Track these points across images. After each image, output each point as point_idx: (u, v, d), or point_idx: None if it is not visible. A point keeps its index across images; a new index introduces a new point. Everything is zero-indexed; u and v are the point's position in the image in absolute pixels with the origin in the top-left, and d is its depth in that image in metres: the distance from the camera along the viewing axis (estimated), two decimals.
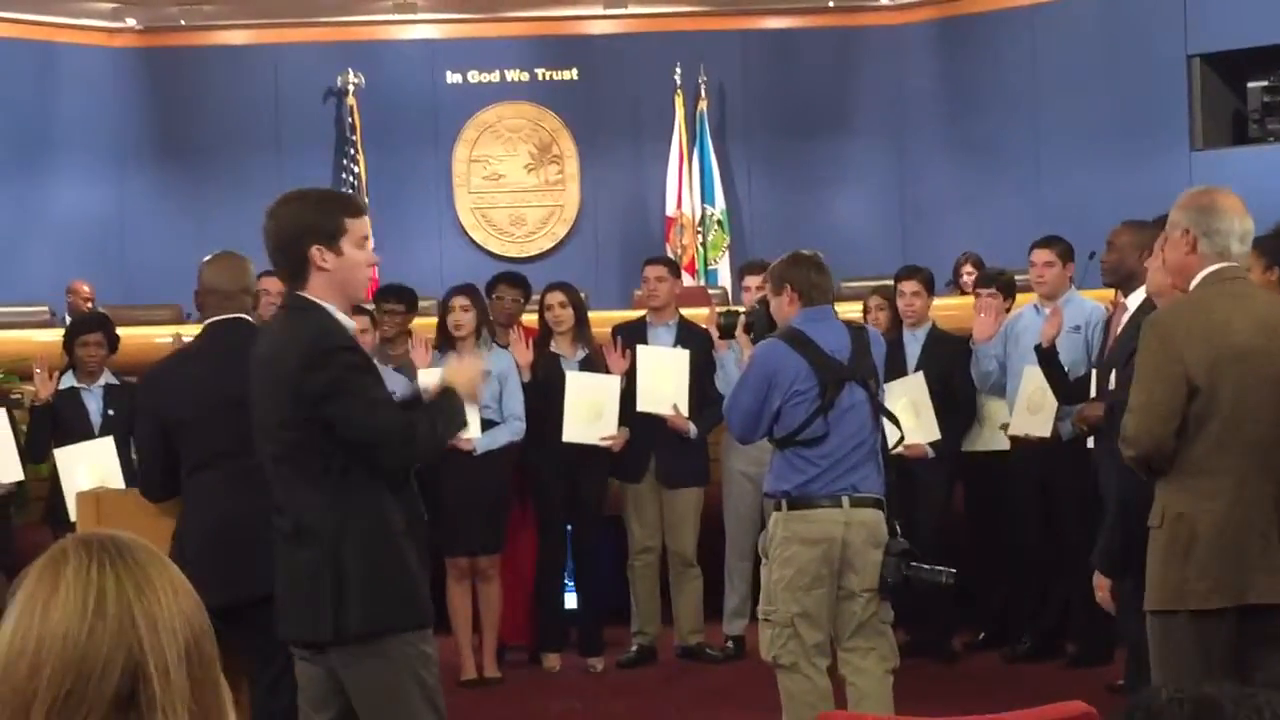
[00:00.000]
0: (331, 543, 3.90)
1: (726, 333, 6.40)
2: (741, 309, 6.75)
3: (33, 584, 1.66)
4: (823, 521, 5.26)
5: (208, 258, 5.14)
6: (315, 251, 3.94)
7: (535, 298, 7.96)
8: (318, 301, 3.98)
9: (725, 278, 13.29)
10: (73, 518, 5.98)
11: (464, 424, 4.36)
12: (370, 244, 4.09)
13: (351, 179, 13.68)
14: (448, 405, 4.13)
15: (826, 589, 5.28)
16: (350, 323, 4.06)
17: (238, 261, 5.10)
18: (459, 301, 7.32)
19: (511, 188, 14.23)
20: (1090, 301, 7.16)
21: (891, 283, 7.72)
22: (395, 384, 7.15)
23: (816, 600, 5.26)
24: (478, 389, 4.37)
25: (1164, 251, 4.36)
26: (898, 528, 5.40)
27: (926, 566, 5.32)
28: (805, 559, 5.25)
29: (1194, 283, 4.17)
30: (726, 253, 13.66)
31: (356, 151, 13.74)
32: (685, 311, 7.88)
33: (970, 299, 8.09)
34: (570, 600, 7.75)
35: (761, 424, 5.33)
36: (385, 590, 3.94)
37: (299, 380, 3.91)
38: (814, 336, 5.32)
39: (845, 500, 5.28)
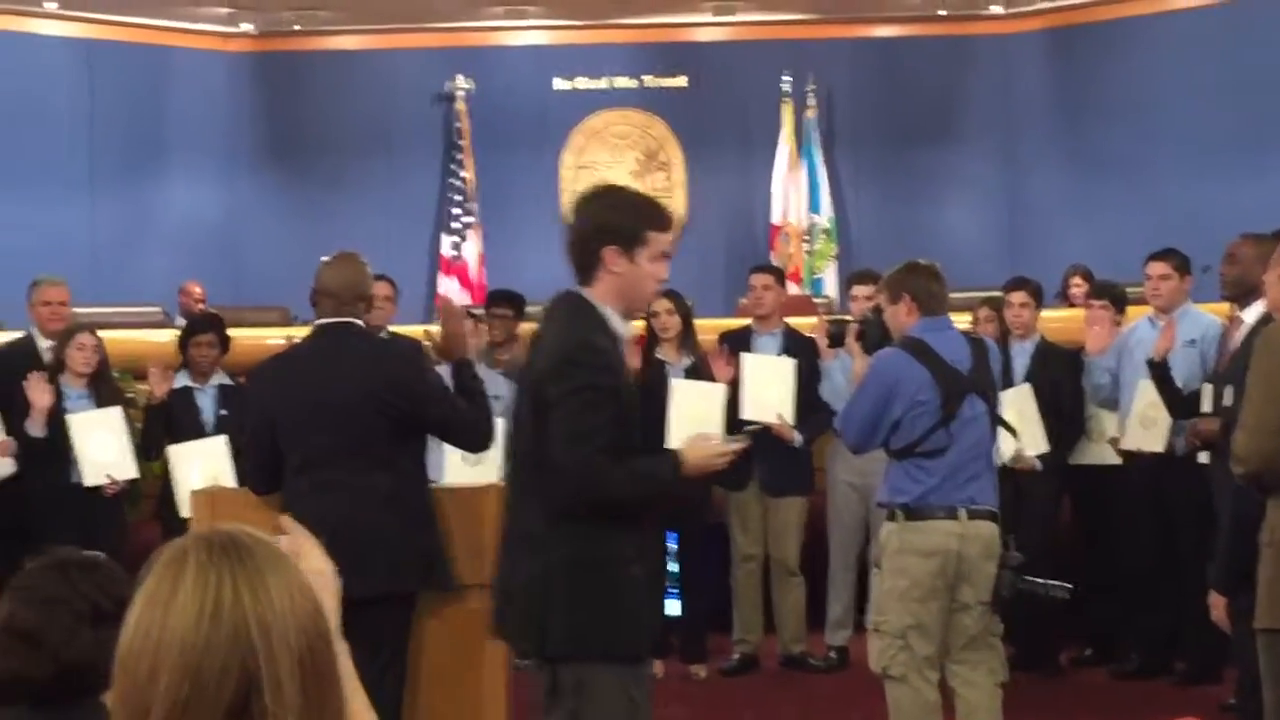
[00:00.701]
0: (551, 559, 3.79)
1: (836, 341, 6.36)
2: (850, 318, 6.71)
3: (154, 583, 1.66)
4: (939, 533, 5.22)
5: (327, 258, 5.15)
6: (609, 253, 3.86)
7: None
8: (594, 304, 3.88)
9: (831, 287, 13.24)
10: (185, 515, 6.08)
11: (668, 497, 4.23)
12: (667, 262, 3.94)
13: (459, 184, 13.77)
14: (660, 471, 3.96)
15: (940, 601, 5.24)
16: (624, 329, 3.94)
17: (356, 265, 5.12)
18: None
19: None
20: (1206, 315, 7.04)
21: (1000, 293, 7.65)
22: (499, 388, 7.23)
23: (929, 612, 5.22)
24: (710, 466, 4.02)
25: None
26: (1011, 541, 5.35)
27: (1041, 581, 5.28)
28: (920, 571, 5.21)
29: None
30: (833, 262, 13.60)
31: (465, 156, 13.83)
32: (790, 320, 7.85)
33: (1078, 311, 8.01)
34: (673, 607, 7.74)
35: (879, 434, 5.28)
36: (591, 616, 3.79)
37: (541, 384, 3.83)
38: (935, 346, 5.27)
39: (962, 512, 5.23)
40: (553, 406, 3.76)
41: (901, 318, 5.38)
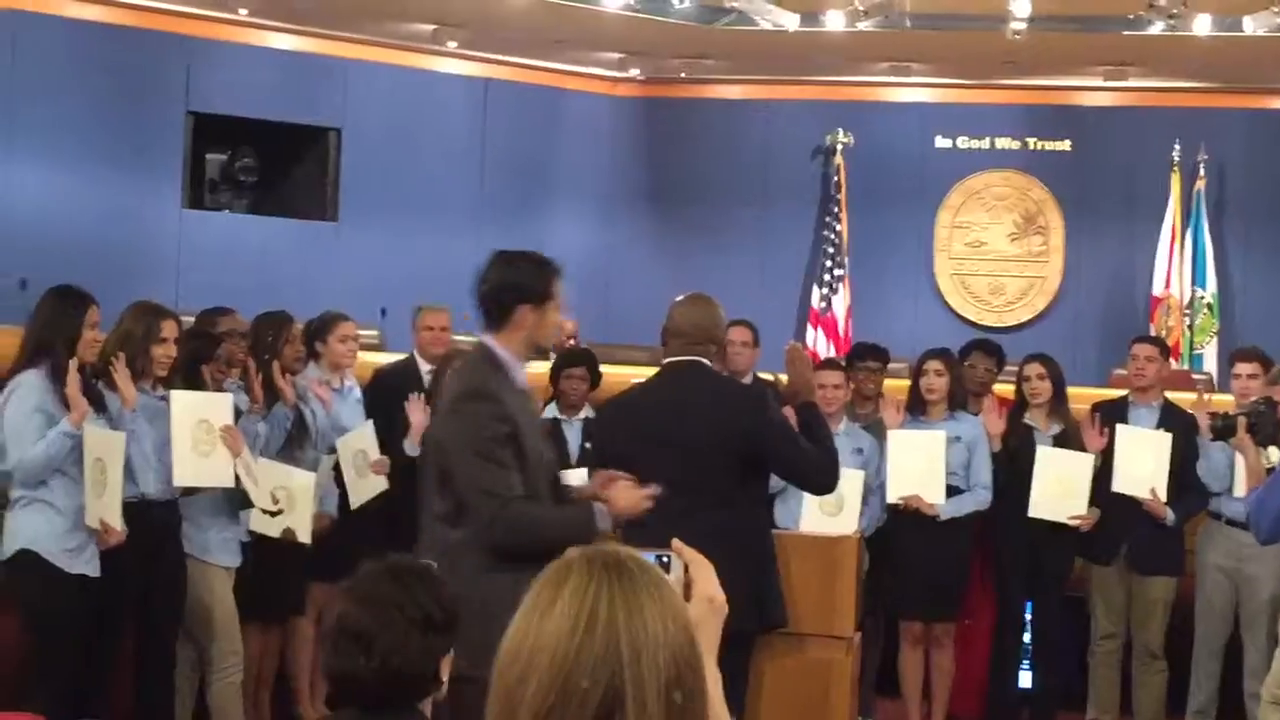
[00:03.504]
0: None
1: (1224, 435, 6.12)
2: (1232, 410, 6.42)
3: (537, 592, 1.70)
4: None
5: (680, 298, 5.21)
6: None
7: (1010, 368, 7.82)
8: None
9: (1211, 363, 12.76)
10: None
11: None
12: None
13: (833, 237, 13.78)
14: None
15: None
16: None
17: (709, 306, 5.16)
18: (933, 365, 7.28)
19: (993, 256, 14.04)
20: None
21: None
22: (860, 440, 7.19)
23: None
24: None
25: None
26: None
27: None
28: None
29: None
30: (1214, 338, 13.11)
31: (840, 210, 13.84)
32: (1169, 395, 7.59)
33: None
34: (1025, 679, 7.55)
35: None
36: None
37: None
38: None
39: None
40: None
41: None
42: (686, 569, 2.00)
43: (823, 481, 5.12)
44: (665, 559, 1.98)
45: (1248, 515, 5.61)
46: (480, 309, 4.45)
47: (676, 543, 2.04)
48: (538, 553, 4.01)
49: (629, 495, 4.39)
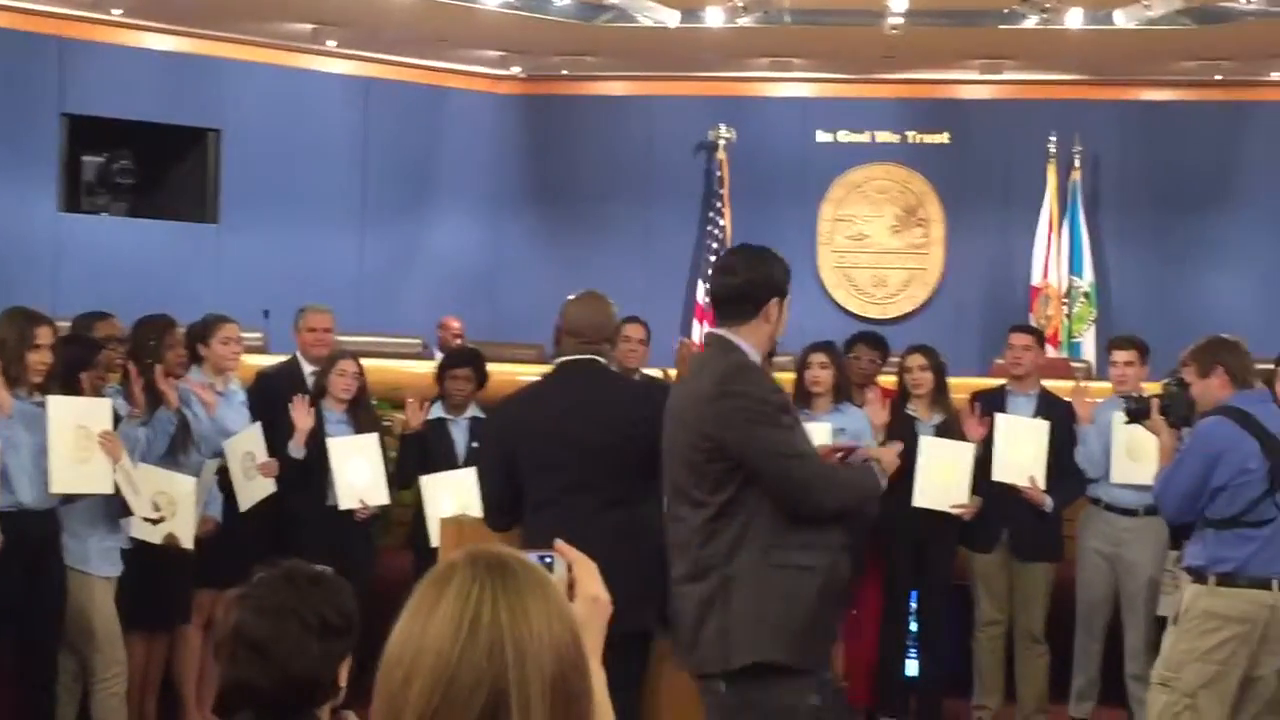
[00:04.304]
0: None
1: (1138, 417, 6.22)
2: (1138, 394, 6.51)
3: (420, 594, 1.70)
4: (1252, 602, 5.29)
5: (573, 296, 5.19)
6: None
7: (893, 359, 7.91)
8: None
9: (1089, 351, 12.98)
10: (434, 543, 6.20)
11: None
12: None
13: (717, 232, 13.85)
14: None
15: (1240, 669, 5.30)
16: None
17: (604, 304, 5.14)
18: (817, 358, 7.33)
19: (875, 248, 14.19)
20: None
21: (1272, 366, 7.40)
22: None
23: (1225, 678, 5.25)
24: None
25: None
26: None
27: None
28: (1224, 636, 5.28)
29: None
30: (1092, 326, 13.34)
31: (723, 205, 13.91)
32: (1047, 383, 7.70)
33: None
34: (911, 667, 7.63)
35: (1200, 503, 5.30)
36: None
37: None
38: (1258, 417, 5.32)
39: (1275, 583, 5.31)
40: None
41: (1215, 390, 5.44)
42: (570, 568, 2.01)
43: None
44: (549, 559, 1.99)
45: (1155, 495, 5.71)
46: (723, 303, 4.43)
47: (559, 543, 2.05)
48: (836, 513, 4.31)
49: (890, 453, 4.78)
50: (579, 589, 1.98)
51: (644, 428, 4.82)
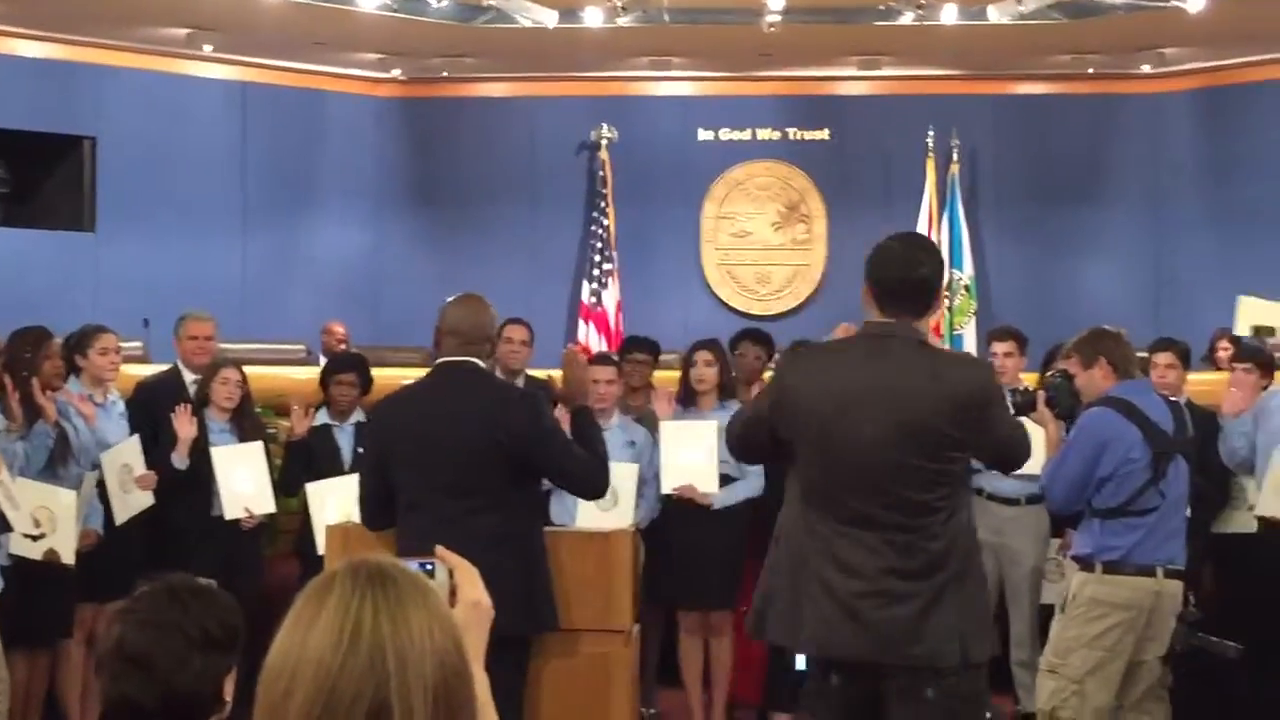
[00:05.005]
0: None
1: (1024, 410, 6.30)
2: (1024, 388, 6.59)
3: (300, 606, 1.69)
4: (1138, 590, 5.38)
5: (452, 299, 5.18)
6: None
7: (778, 355, 7.96)
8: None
9: (970, 343, 13.13)
10: (320, 551, 6.16)
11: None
12: None
13: (601, 232, 13.86)
14: None
15: (1126, 655, 5.38)
16: None
17: (483, 306, 5.12)
18: (703, 356, 7.36)
19: (758, 245, 14.27)
20: None
21: (1145, 354, 7.53)
22: (635, 434, 7.25)
23: (1112, 663, 5.33)
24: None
25: None
26: (1191, 597, 5.52)
27: (1215, 639, 5.47)
28: (1111, 623, 5.36)
29: None
30: (973, 318, 13.50)
31: (607, 204, 13.93)
32: None
33: (1225, 375, 7.85)
34: (801, 662, 7.67)
35: (1087, 493, 5.38)
36: None
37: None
38: (1141, 407, 5.40)
39: (1159, 571, 5.40)
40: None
41: (1098, 381, 5.52)
42: (451, 575, 2.02)
43: (593, 486, 5.12)
44: (430, 566, 1.99)
45: (1042, 486, 5.78)
46: (908, 295, 4.23)
47: (440, 549, 2.05)
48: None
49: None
50: (461, 595, 1.99)
51: (519, 432, 4.82)
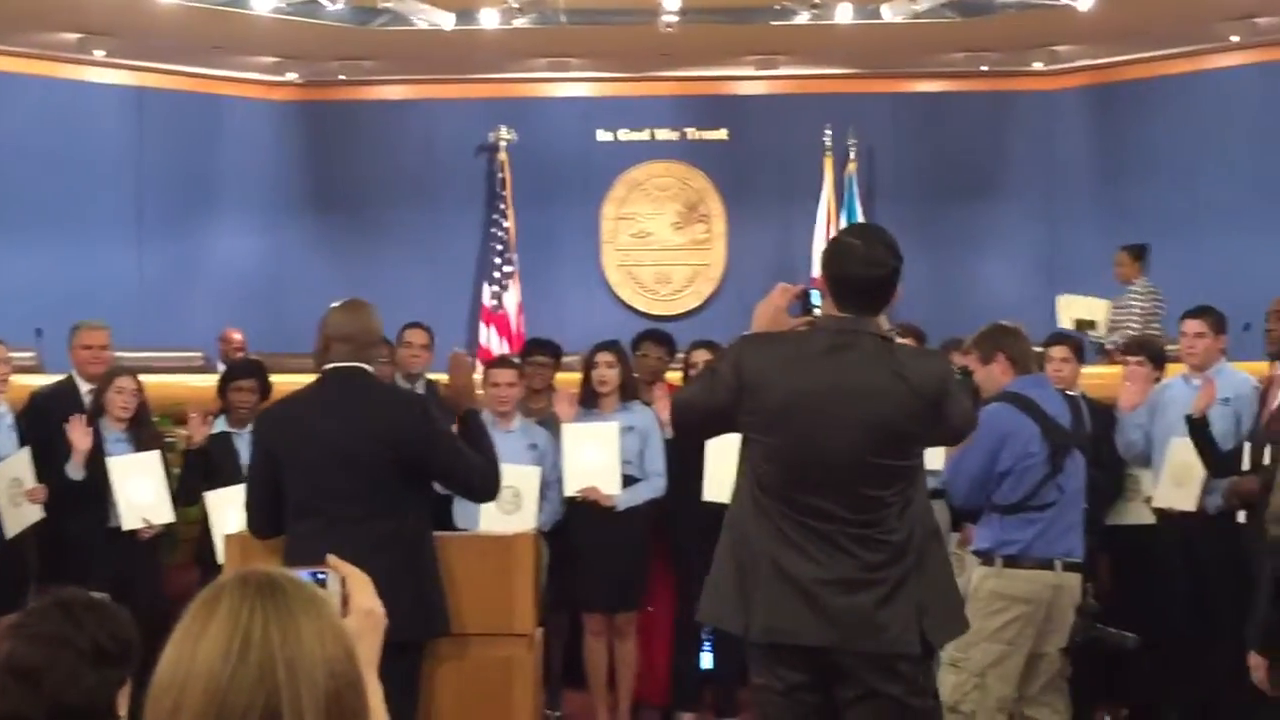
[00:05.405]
0: None
1: None
2: None
3: (189, 618, 1.68)
4: (1037, 583, 5.44)
5: (336, 305, 5.14)
6: None
7: (680, 355, 7.98)
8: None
9: None
10: (221, 560, 6.11)
11: None
12: None
13: (501, 234, 13.83)
14: None
15: (1026, 648, 5.44)
16: None
17: (370, 311, 5.09)
18: (604, 358, 7.37)
19: (658, 246, 14.29)
20: (1241, 374, 7.01)
21: (1040, 349, 7.62)
22: (537, 437, 7.25)
23: (1012, 656, 5.38)
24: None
25: None
26: (1090, 589, 5.59)
27: (1113, 630, 5.56)
28: (1011, 616, 5.41)
29: None
30: None
31: (507, 206, 13.89)
32: None
33: (1120, 368, 7.97)
34: (706, 660, 7.72)
35: (988, 488, 5.42)
36: None
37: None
38: (1038, 402, 5.44)
39: (1058, 564, 5.47)
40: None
41: (997, 376, 5.56)
42: (343, 583, 2.01)
43: (484, 489, 5.11)
44: (322, 575, 1.98)
45: (944, 482, 5.82)
46: (871, 292, 4.18)
47: (332, 558, 2.04)
48: None
49: None
50: (353, 603, 1.98)
51: (410, 436, 4.80)
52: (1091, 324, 10.17)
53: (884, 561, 3.98)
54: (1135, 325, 10.06)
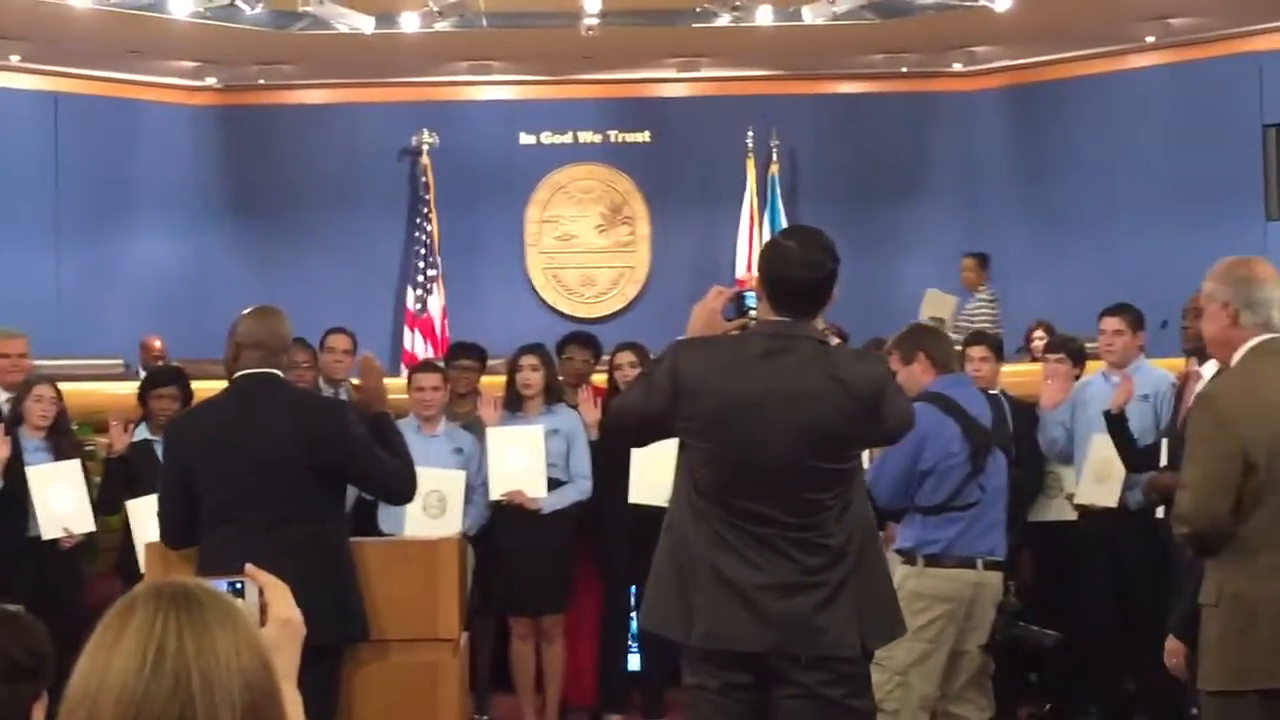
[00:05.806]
0: None
1: None
2: None
3: (102, 630, 1.66)
4: (958, 582, 5.45)
5: (246, 312, 5.10)
6: None
7: (605, 358, 7.98)
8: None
9: None
10: (143, 569, 6.05)
11: None
12: None
13: (424, 238, 13.79)
14: None
15: (948, 646, 5.45)
16: None
17: (280, 317, 5.05)
18: (528, 361, 7.36)
19: (583, 248, 14.29)
20: (1159, 370, 7.10)
21: (960, 348, 7.67)
22: (462, 441, 7.23)
23: (935, 655, 5.42)
24: None
25: (1203, 324, 4.34)
26: (1011, 587, 5.60)
27: (1034, 628, 5.58)
28: (933, 615, 5.41)
29: (1238, 355, 4.14)
30: None
31: (430, 210, 13.86)
32: None
33: (1041, 366, 8.04)
34: (634, 662, 7.72)
35: (911, 488, 5.43)
36: None
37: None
38: (959, 401, 5.47)
39: (979, 563, 5.47)
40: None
41: (918, 376, 5.56)
42: (261, 593, 2.00)
43: (400, 492, 5.09)
44: (239, 585, 1.97)
45: (868, 483, 5.84)
46: (808, 295, 4.07)
47: (250, 567, 2.03)
48: None
49: None
50: (271, 612, 1.97)
51: (324, 440, 4.78)
52: (941, 321, 10.29)
53: (823, 565, 3.97)
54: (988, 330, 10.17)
